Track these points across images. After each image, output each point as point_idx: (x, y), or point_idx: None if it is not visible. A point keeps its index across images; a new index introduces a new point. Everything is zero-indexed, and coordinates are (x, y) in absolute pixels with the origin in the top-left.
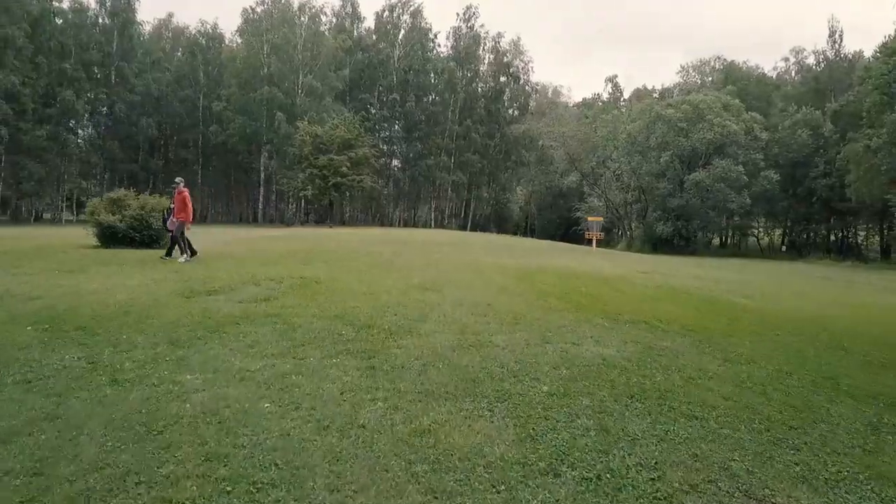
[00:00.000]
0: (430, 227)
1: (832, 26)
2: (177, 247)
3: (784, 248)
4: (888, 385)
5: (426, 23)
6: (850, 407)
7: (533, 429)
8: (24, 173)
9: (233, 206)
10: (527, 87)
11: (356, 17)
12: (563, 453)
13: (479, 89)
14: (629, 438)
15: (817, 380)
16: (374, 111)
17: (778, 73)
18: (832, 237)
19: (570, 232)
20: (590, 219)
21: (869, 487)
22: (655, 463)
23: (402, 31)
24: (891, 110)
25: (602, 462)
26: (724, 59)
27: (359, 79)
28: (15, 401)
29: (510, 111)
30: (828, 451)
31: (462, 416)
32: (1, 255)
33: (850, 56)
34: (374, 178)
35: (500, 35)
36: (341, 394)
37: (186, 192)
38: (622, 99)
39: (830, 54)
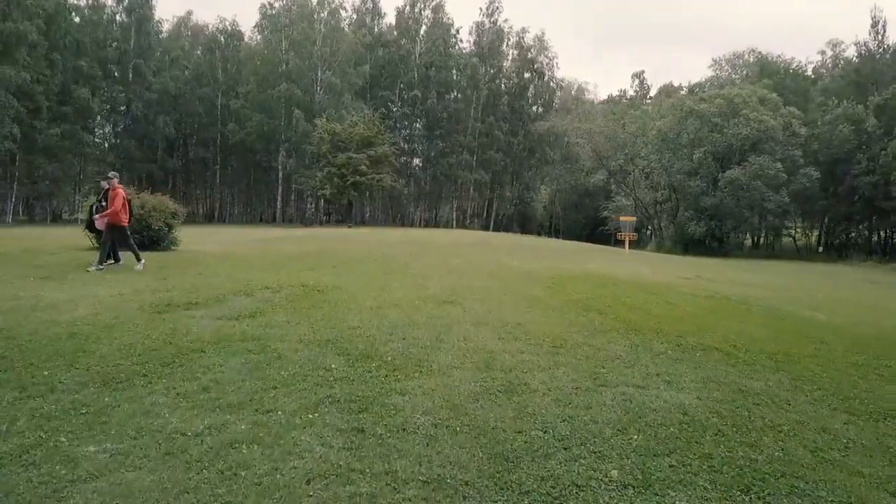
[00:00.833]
0: (452, 227)
1: (875, 16)
2: (134, 252)
3: (821, 248)
4: None
5: (448, 18)
6: None
7: None
8: (38, 173)
9: (252, 205)
10: (551, 84)
11: (376, 12)
12: None
13: (503, 86)
14: None
15: None
16: (394, 109)
17: (813, 67)
18: (874, 238)
19: (596, 232)
20: (622, 218)
21: None
22: None
23: (424, 27)
24: None
25: None
26: (759, 52)
27: (379, 76)
28: None
29: (534, 108)
30: None
31: None
32: None
33: (893, 48)
34: (394, 177)
35: (524, 30)
36: (307, 483)
37: (121, 190)
38: (648, 96)
39: (873, 45)
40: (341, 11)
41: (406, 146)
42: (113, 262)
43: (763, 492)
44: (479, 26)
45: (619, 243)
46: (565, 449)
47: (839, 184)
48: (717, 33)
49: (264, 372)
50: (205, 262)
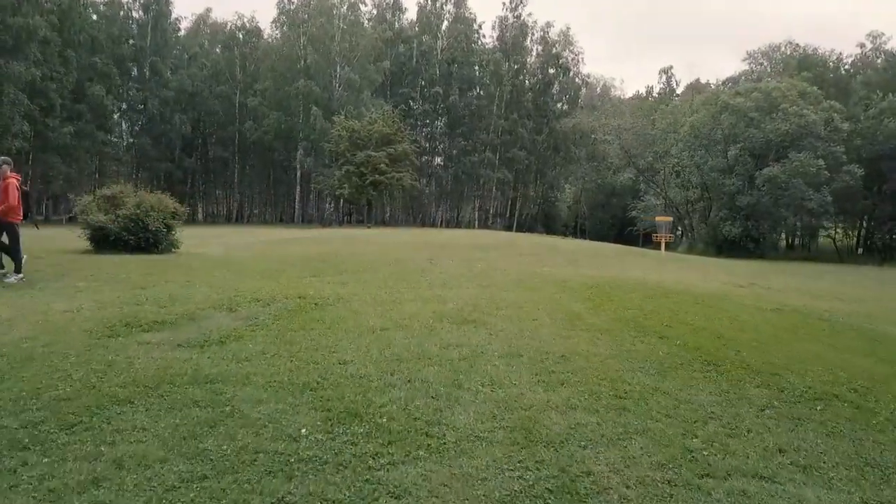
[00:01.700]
0: (474, 227)
1: None
2: (17, 261)
3: (860, 250)
4: None
5: (470, 12)
6: None
7: None
8: (52, 172)
9: (272, 206)
10: (576, 80)
11: (397, 7)
12: None
13: (527, 82)
14: None
15: None
16: (415, 106)
17: (852, 61)
18: None
19: (624, 233)
20: (658, 219)
21: None
22: None
23: (446, 22)
24: None
25: None
26: (796, 44)
27: (400, 72)
28: None
29: (559, 105)
30: None
31: None
32: None
33: None
34: (414, 176)
35: (548, 24)
36: None
37: (14, 180)
38: (676, 93)
39: None
40: (361, 6)
41: (427, 145)
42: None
43: None
44: (502, 21)
45: (649, 244)
46: None
47: (884, 182)
48: (740, 32)
49: (200, 444)
50: (200, 266)
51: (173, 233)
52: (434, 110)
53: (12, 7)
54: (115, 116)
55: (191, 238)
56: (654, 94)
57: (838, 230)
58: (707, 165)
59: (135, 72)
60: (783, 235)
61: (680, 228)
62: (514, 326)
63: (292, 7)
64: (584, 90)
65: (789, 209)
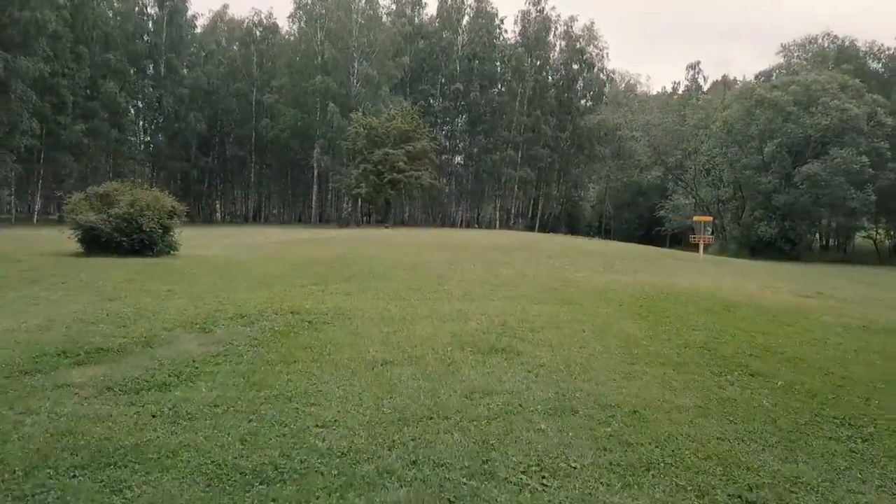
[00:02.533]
0: (495, 227)
1: None
2: None
3: None
4: None
5: (492, 7)
6: None
7: None
8: (65, 171)
9: (290, 205)
10: (601, 76)
11: (417, 2)
12: None
13: (550, 78)
14: None
15: None
16: (435, 104)
17: (888, 55)
18: None
19: (651, 233)
20: (696, 218)
21: None
22: None
23: (467, 17)
24: None
25: None
26: (834, 36)
27: (419, 68)
28: None
29: (583, 101)
30: None
31: None
32: None
33: None
34: (433, 175)
35: (572, 19)
36: None
37: None
38: (703, 90)
39: None
40: (379, 0)
41: (447, 143)
42: None
43: None
44: (524, 15)
45: (677, 245)
46: None
47: None
48: (763, 31)
49: None
50: (191, 272)
51: (171, 234)
52: (454, 107)
53: (20, 0)
54: (131, 114)
55: (198, 239)
56: (680, 91)
57: (879, 230)
58: (741, 163)
59: (150, 69)
60: (817, 236)
61: (711, 229)
62: (558, 358)
63: (309, 1)
64: (608, 87)
65: (829, 209)
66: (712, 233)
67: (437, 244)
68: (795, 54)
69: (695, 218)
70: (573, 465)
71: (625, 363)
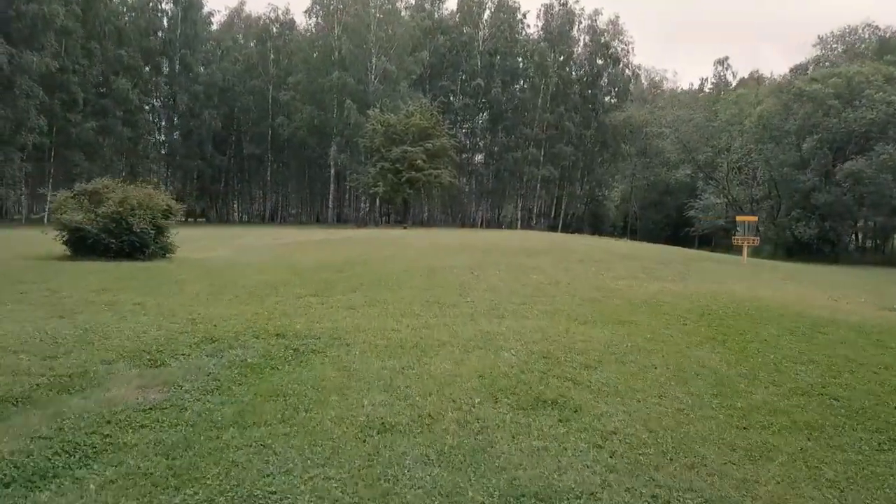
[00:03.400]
0: (517, 227)
1: None
2: None
3: None
4: None
5: (514, 1)
6: None
7: None
8: (76, 170)
9: (308, 205)
10: (626, 72)
11: None
12: None
13: (573, 74)
14: None
15: None
16: (455, 101)
17: None
18: None
19: (679, 234)
20: (739, 218)
21: None
22: None
23: (488, 11)
24: None
25: None
26: (876, 26)
27: (439, 64)
28: None
29: (607, 98)
30: None
31: None
32: None
33: None
34: (453, 173)
35: (596, 13)
36: None
37: None
38: (731, 86)
39: None
40: None
41: (468, 141)
42: None
43: None
44: (547, 9)
45: (705, 246)
46: None
47: None
48: (787, 29)
49: None
50: (179, 278)
51: (166, 235)
52: (475, 104)
53: None
54: (146, 111)
55: (206, 239)
56: (708, 88)
57: None
58: (777, 160)
59: (166, 67)
60: (854, 237)
61: (755, 229)
62: (635, 418)
63: None
64: (633, 83)
65: (874, 208)
66: (756, 233)
67: (458, 246)
68: (832, 46)
69: (738, 218)
70: None
71: (733, 427)
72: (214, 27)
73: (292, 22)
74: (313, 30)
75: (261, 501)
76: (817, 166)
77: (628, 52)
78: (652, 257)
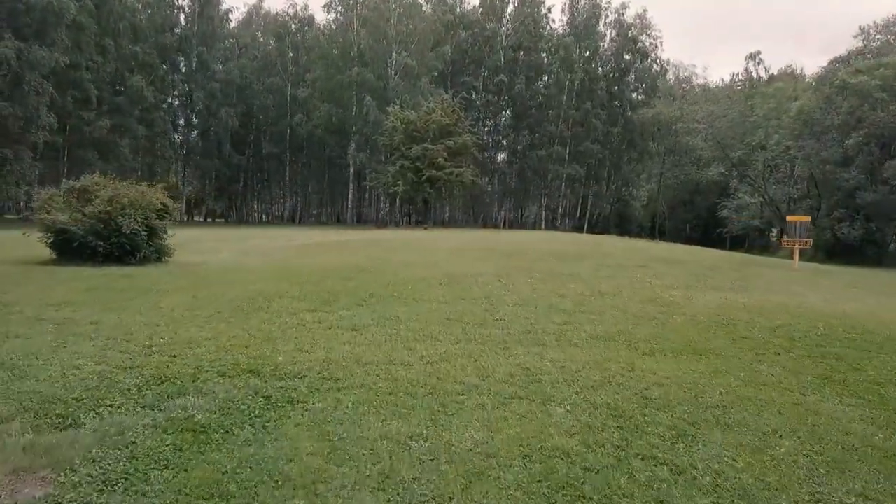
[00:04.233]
0: (540, 228)
1: None
2: None
3: None
4: None
5: None
6: None
7: None
8: (90, 169)
9: (328, 205)
10: (654, 67)
11: None
12: None
13: (600, 69)
14: None
15: None
16: (477, 98)
17: None
18: None
19: (710, 235)
20: (790, 219)
21: None
22: None
23: (511, 5)
24: None
25: None
26: None
27: (461, 60)
28: None
29: (634, 95)
30: None
31: None
32: None
33: None
34: (475, 172)
35: (623, 6)
36: None
37: None
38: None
39: None
40: None
41: (490, 140)
42: None
43: None
44: (572, 3)
45: (738, 247)
46: None
47: None
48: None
49: None
50: (161, 288)
51: (164, 236)
52: (498, 101)
53: None
54: (163, 109)
55: (214, 241)
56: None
57: None
58: (818, 157)
59: (183, 65)
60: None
61: (781, 230)
62: None
63: None
64: (662, 79)
65: None
66: (809, 235)
67: (481, 249)
68: (875, 37)
69: (788, 218)
70: None
71: None
72: (233, 24)
73: (311, 18)
74: (332, 25)
75: None
76: (862, 163)
77: (656, 46)
78: (697, 261)
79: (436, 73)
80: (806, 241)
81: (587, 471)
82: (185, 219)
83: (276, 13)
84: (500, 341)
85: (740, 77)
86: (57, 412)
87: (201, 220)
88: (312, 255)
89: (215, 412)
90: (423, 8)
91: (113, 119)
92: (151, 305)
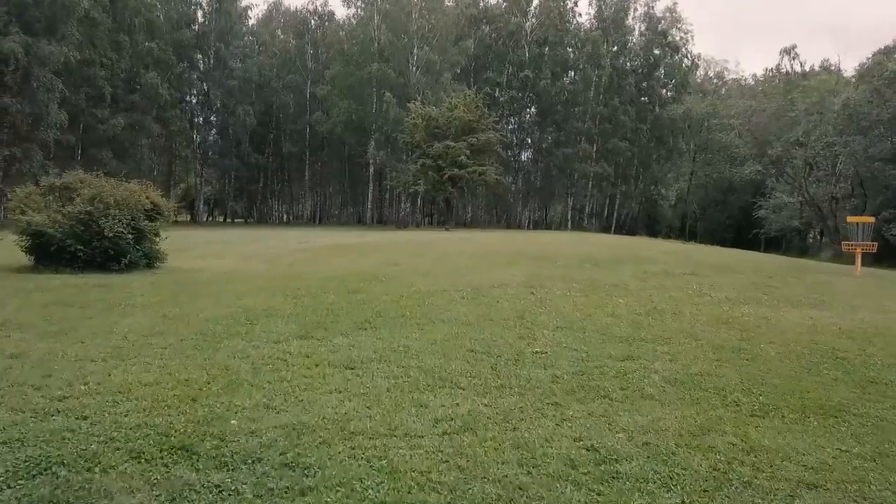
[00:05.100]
0: (566, 228)
1: None
2: None
3: None
4: None
5: None
6: None
7: None
8: (105, 169)
9: (349, 205)
10: (685, 62)
11: None
12: None
13: (628, 64)
14: None
15: None
16: (501, 95)
17: None
18: None
19: (743, 236)
20: (850, 219)
21: None
22: None
23: None
24: None
25: None
26: None
27: (484, 55)
28: None
29: (664, 91)
30: None
31: None
32: None
33: None
34: (499, 170)
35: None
36: None
37: None
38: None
39: None
40: None
41: (514, 137)
42: None
43: None
44: None
45: (773, 249)
46: None
47: None
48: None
49: None
50: (133, 303)
51: (155, 240)
52: (522, 97)
53: None
54: (180, 108)
55: (221, 244)
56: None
57: None
58: (865, 153)
59: (201, 63)
60: None
61: (821, 231)
62: None
63: None
64: (692, 74)
65: None
66: (873, 238)
67: (508, 253)
68: None
69: (849, 219)
70: None
71: None
72: (252, 21)
73: (331, 14)
74: (352, 20)
75: None
76: None
77: (687, 41)
78: (750, 267)
79: (458, 69)
80: (871, 245)
81: None
82: (206, 219)
83: (296, 9)
84: (546, 391)
85: (775, 71)
86: None
87: (222, 220)
88: (321, 261)
89: None
90: (446, 1)
91: (128, 117)
92: (106, 329)
